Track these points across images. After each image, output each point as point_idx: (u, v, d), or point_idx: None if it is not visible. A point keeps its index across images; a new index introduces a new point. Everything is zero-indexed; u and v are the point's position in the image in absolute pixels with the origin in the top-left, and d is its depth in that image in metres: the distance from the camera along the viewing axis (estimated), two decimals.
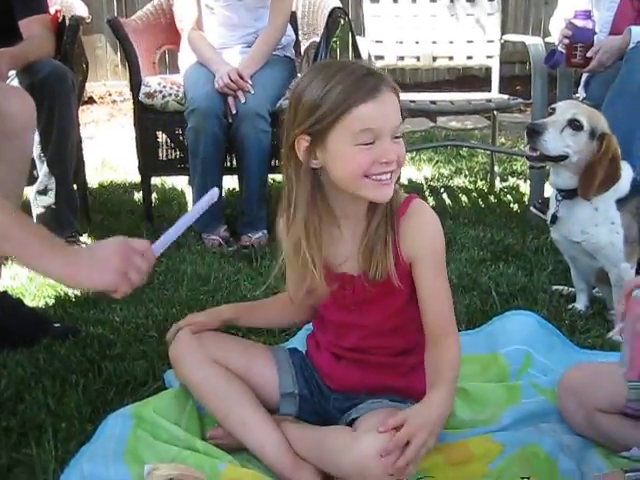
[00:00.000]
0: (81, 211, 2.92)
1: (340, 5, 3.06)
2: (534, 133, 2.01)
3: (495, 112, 3.46)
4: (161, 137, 3.00)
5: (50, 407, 1.68)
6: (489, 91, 3.51)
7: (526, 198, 3.35)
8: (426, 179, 3.86)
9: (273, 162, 2.81)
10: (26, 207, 2.60)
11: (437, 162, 4.17)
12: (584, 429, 1.54)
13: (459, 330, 1.53)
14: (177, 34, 3.19)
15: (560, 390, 1.60)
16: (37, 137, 2.47)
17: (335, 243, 1.48)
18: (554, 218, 2.13)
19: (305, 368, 1.61)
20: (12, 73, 2.55)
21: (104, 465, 1.40)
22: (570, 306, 2.25)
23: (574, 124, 2.00)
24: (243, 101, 2.72)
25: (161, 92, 2.92)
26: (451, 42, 3.51)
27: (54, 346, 1.95)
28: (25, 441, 1.56)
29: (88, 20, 2.93)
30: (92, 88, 5.58)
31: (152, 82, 2.96)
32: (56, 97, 2.50)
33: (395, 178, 1.40)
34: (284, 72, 2.93)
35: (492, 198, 3.50)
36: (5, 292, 2.15)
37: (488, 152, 3.91)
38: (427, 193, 3.60)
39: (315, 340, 1.63)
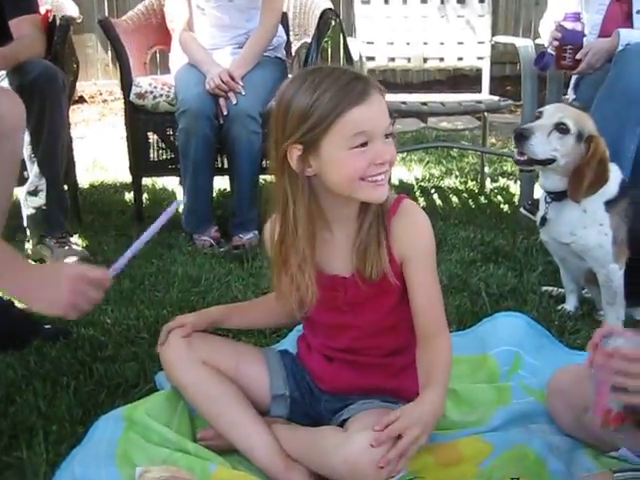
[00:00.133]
0: (72, 212, 2.91)
1: (331, 6, 3.07)
2: (522, 137, 2.02)
3: (485, 113, 3.47)
4: (152, 138, 3.00)
5: (41, 409, 1.67)
6: (480, 91, 3.52)
7: (516, 199, 3.36)
8: (417, 180, 3.87)
9: (264, 163, 2.81)
10: (16, 208, 2.59)
11: (428, 163, 4.18)
12: (573, 430, 1.55)
13: (449, 331, 1.54)
14: (168, 35, 3.19)
15: (549, 391, 1.61)
16: (27, 138, 2.46)
17: (327, 246, 1.48)
18: (543, 220, 2.15)
19: (296, 370, 1.61)
20: (2, 73, 2.54)
21: (95, 468, 1.40)
22: (559, 307, 2.26)
23: (561, 127, 2.01)
24: (234, 102, 2.72)
25: (152, 93, 2.92)
26: (442, 43, 3.52)
27: (45, 348, 1.95)
28: (16, 444, 1.55)
29: (79, 20, 2.91)
30: (83, 87, 5.57)
31: (143, 83, 2.96)
32: (46, 98, 2.49)
33: (387, 177, 1.41)
34: (275, 73, 2.93)
35: (482, 199, 3.51)
36: None
37: (479, 153, 3.92)
38: (418, 194, 3.61)
39: (306, 342, 1.64)
